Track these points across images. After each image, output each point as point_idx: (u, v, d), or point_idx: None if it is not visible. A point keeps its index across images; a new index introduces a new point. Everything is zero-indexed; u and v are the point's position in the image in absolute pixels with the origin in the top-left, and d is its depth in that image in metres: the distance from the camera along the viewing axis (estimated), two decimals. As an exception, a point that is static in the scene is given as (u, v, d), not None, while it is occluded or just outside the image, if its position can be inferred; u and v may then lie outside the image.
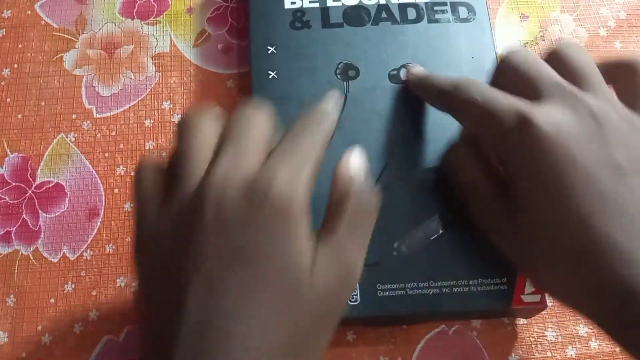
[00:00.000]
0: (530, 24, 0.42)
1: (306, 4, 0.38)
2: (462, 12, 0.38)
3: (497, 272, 0.31)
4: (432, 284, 0.31)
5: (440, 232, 0.32)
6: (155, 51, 0.41)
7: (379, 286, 0.31)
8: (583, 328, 0.34)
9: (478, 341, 0.33)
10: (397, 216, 0.32)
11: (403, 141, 0.34)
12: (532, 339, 0.33)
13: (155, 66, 0.40)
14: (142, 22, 0.42)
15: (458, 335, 0.34)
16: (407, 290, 0.31)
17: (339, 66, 0.36)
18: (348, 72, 0.36)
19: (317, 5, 0.38)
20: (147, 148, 0.38)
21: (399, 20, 0.38)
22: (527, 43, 0.41)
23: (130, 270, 0.35)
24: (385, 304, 0.31)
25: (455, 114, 0.30)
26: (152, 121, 0.39)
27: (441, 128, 0.34)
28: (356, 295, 0.31)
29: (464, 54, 0.37)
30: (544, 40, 0.42)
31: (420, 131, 0.35)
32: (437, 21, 0.38)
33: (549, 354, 0.33)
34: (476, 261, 0.32)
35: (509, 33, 0.42)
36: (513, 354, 0.33)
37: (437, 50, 0.37)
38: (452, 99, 0.29)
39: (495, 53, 0.37)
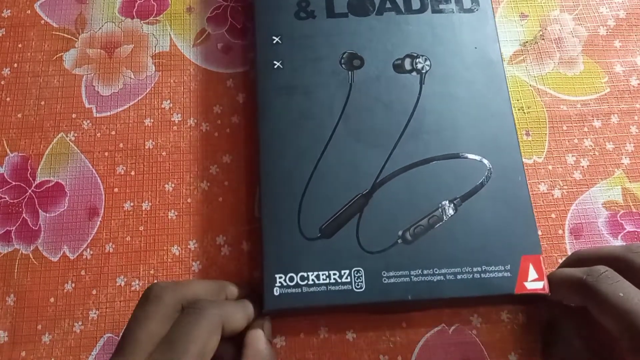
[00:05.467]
0: (530, 23, 0.42)
1: None
2: (466, 2, 0.38)
3: (500, 259, 0.32)
4: (436, 271, 0.31)
5: (444, 220, 0.32)
6: (155, 50, 0.41)
7: (384, 273, 0.31)
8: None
9: (478, 340, 0.33)
10: (401, 205, 0.33)
11: (407, 130, 0.34)
12: (532, 338, 0.33)
13: (155, 65, 0.40)
14: (142, 22, 0.42)
15: (458, 334, 0.34)
16: (412, 277, 0.31)
17: (344, 56, 0.36)
18: (353, 61, 0.36)
19: None
20: (147, 147, 0.38)
21: (403, 10, 0.38)
22: (526, 42, 0.42)
23: (130, 269, 0.35)
24: (390, 290, 0.31)
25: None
26: (152, 120, 0.39)
27: (445, 118, 0.35)
28: (362, 282, 0.31)
29: (467, 44, 0.37)
30: (543, 39, 0.42)
31: (425, 120, 0.35)
32: (441, 11, 0.38)
33: (548, 352, 0.33)
34: (479, 248, 0.32)
35: (509, 32, 0.42)
36: (513, 353, 0.33)
37: (441, 40, 0.37)
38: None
39: (499, 44, 0.37)
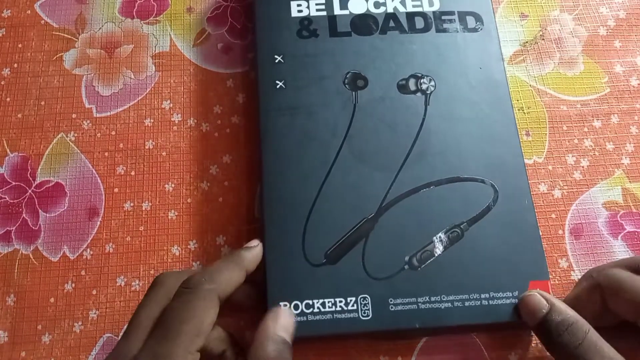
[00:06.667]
0: (530, 23, 0.42)
1: (313, 13, 0.38)
2: (470, 21, 0.38)
3: (507, 285, 0.31)
4: (443, 297, 0.31)
5: (451, 245, 0.32)
6: (155, 50, 0.41)
7: (390, 300, 0.31)
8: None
9: (478, 340, 0.33)
10: (407, 229, 0.32)
11: (412, 152, 0.34)
12: (532, 338, 0.33)
13: (155, 65, 0.40)
14: (142, 22, 0.42)
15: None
16: (419, 304, 0.31)
17: (347, 76, 0.36)
18: (356, 81, 0.36)
19: (324, 13, 0.38)
20: (147, 147, 0.38)
21: (406, 29, 0.37)
22: (526, 42, 0.42)
23: (130, 270, 0.35)
24: (397, 318, 0.30)
25: None
26: (152, 120, 0.39)
27: (450, 140, 0.34)
28: (368, 310, 0.31)
29: (472, 64, 0.36)
30: (543, 39, 0.42)
31: (430, 142, 0.34)
32: (445, 30, 0.37)
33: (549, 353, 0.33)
34: (487, 274, 0.31)
35: (509, 32, 0.42)
36: (513, 353, 0.33)
37: (446, 60, 0.37)
38: None
39: (503, 63, 0.37)
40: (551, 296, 0.30)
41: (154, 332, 0.25)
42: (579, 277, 0.35)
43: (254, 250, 0.31)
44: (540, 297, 0.29)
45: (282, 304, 0.30)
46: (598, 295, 0.29)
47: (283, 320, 0.28)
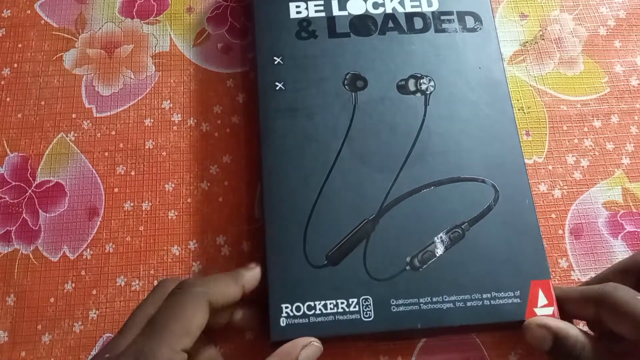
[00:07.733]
0: (530, 23, 0.42)
1: (312, 14, 0.38)
2: (469, 21, 0.38)
3: (509, 284, 0.31)
4: (445, 298, 0.31)
5: (452, 245, 0.32)
6: (155, 50, 0.41)
7: (392, 301, 0.31)
8: (583, 328, 0.34)
9: (478, 340, 0.33)
10: (408, 230, 0.32)
11: (413, 153, 0.34)
12: (532, 338, 0.33)
13: (155, 65, 0.40)
14: (141, 22, 0.42)
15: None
16: (421, 305, 0.31)
17: (347, 77, 0.36)
18: (356, 82, 0.36)
19: (323, 14, 0.38)
20: (147, 147, 0.38)
21: (405, 29, 0.37)
22: (526, 42, 0.42)
23: (130, 270, 0.35)
24: (399, 319, 0.30)
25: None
26: (152, 120, 0.39)
27: (450, 140, 0.34)
28: (370, 311, 0.31)
29: (471, 64, 0.36)
30: (543, 39, 0.42)
31: (430, 143, 0.34)
32: (444, 30, 0.37)
33: (548, 352, 0.33)
34: (488, 274, 0.31)
35: (509, 32, 0.42)
36: (513, 353, 0.33)
37: (445, 60, 0.36)
38: None
39: (502, 63, 0.37)
40: (548, 319, 0.29)
41: (143, 329, 0.26)
42: (579, 277, 0.35)
43: (253, 270, 0.31)
44: (539, 329, 0.29)
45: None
46: (591, 308, 0.29)
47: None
